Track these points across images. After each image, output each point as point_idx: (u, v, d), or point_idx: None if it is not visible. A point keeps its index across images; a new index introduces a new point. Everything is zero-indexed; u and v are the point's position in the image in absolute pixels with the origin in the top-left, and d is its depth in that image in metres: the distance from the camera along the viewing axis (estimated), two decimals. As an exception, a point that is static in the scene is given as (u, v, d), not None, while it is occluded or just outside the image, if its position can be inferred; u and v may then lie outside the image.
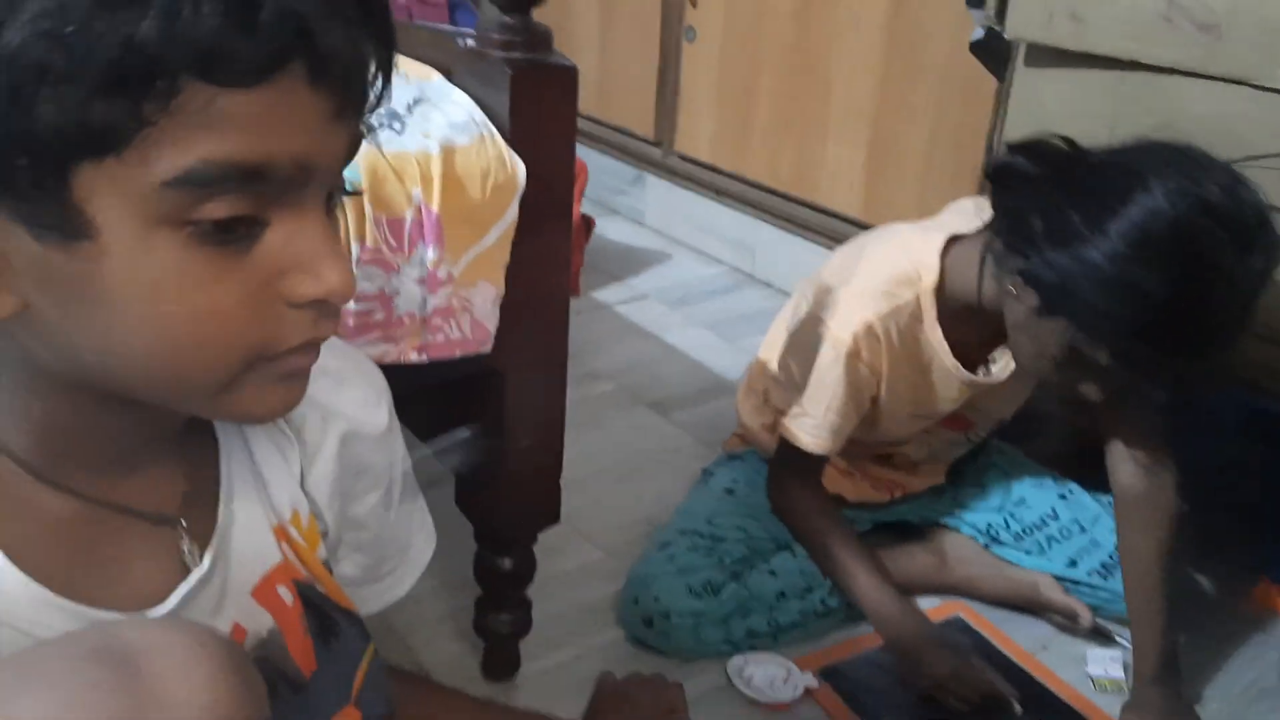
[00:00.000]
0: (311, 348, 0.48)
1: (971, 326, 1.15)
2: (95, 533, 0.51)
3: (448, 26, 2.39)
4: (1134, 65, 1.20)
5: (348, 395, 0.63)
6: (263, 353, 0.45)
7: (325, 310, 0.46)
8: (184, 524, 0.54)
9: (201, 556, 0.54)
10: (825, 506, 1.24)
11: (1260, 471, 1.61)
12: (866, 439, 1.26)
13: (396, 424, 0.68)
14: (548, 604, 1.24)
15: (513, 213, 0.87)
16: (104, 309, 0.42)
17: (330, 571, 0.64)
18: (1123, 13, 1.18)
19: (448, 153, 0.83)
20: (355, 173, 0.79)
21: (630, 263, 2.26)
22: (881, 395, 1.18)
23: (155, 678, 0.40)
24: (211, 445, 0.57)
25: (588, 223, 2.12)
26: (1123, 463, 1.16)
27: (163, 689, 0.40)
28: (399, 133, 0.85)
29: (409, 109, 0.87)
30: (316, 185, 0.45)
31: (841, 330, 1.13)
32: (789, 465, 1.23)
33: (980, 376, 1.18)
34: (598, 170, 2.43)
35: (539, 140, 0.87)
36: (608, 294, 2.12)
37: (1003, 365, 1.19)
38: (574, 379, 1.92)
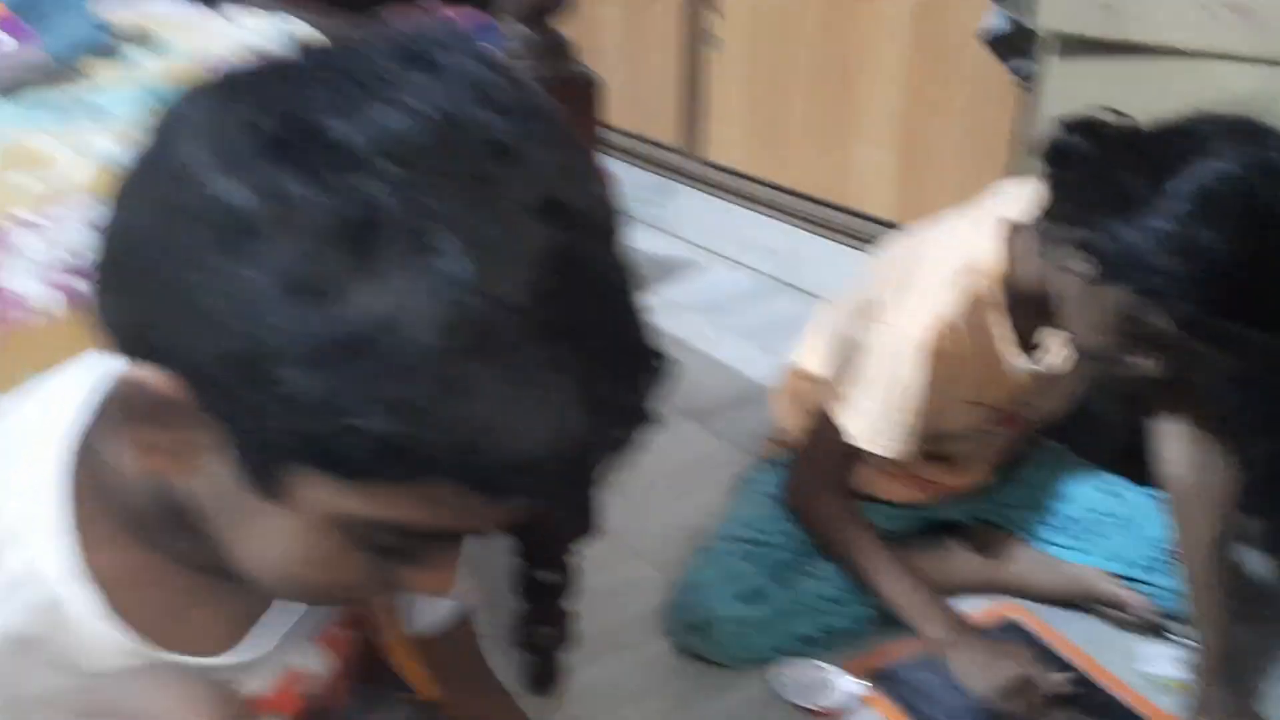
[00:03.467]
0: None
1: (1028, 314, 1.13)
2: (192, 591, 0.55)
3: (474, 46, 2.40)
4: (1170, 52, 1.18)
5: None
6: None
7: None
8: None
9: None
10: (851, 513, 1.22)
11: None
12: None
13: None
14: (593, 616, 1.23)
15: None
16: (253, 539, 0.47)
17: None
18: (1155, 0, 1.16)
19: (476, 166, 0.83)
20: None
21: (662, 273, 2.26)
22: (948, 386, 1.16)
23: None
24: None
25: (619, 235, 2.12)
26: (1174, 453, 1.13)
27: None
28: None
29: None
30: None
31: (914, 329, 1.10)
32: (815, 468, 1.21)
33: (1043, 366, 1.16)
34: (626, 182, 2.43)
35: (566, 150, 0.87)
36: (641, 305, 2.11)
37: (1057, 353, 1.17)
38: (610, 391, 1.89)
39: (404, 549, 0.46)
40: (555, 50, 0.85)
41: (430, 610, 0.75)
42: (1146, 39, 1.19)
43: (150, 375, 0.42)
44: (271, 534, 0.46)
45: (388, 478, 0.41)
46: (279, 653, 0.59)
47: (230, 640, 0.57)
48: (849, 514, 1.21)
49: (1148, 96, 1.22)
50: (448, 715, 0.73)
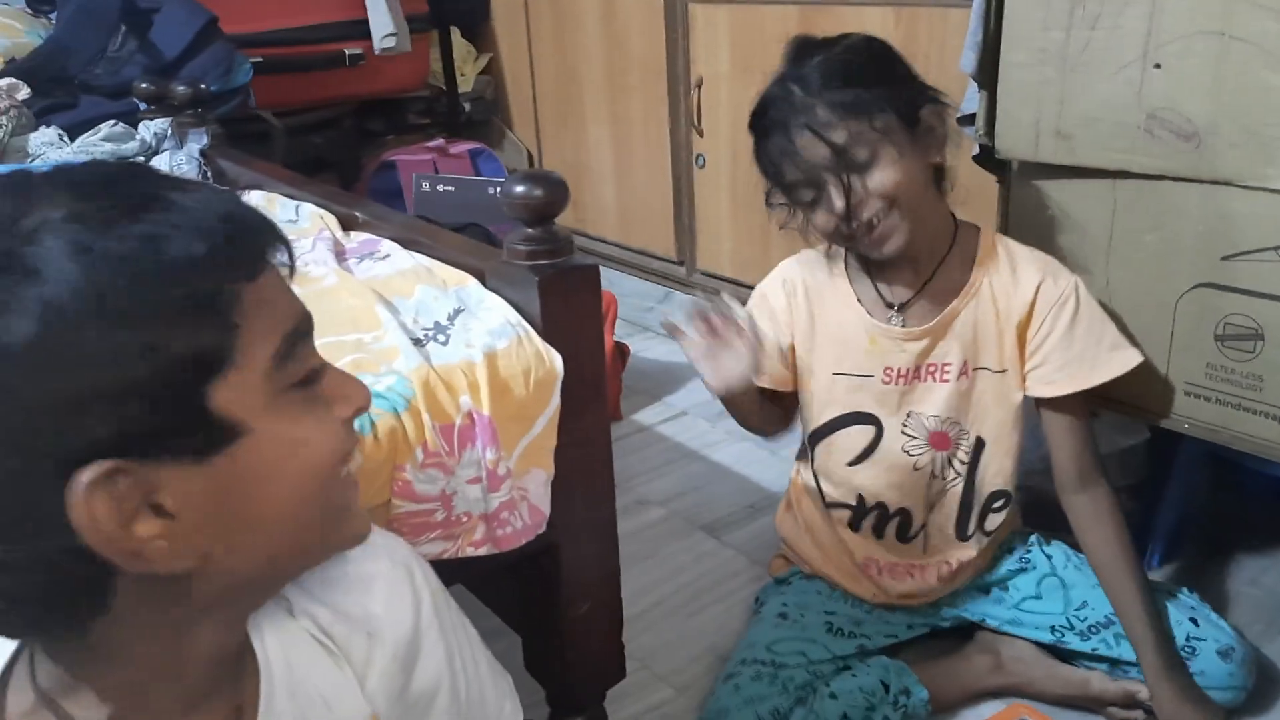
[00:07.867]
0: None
1: (877, 280, 1.29)
2: None
3: (474, 178, 2.52)
4: (1124, 174, 1.26)
5: (378, 601, 0.68)
6: (347, 462, 0.59)
7: (354, 422, 0.61)
8: None
9: None
10: None
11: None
12: (810, 417, 1.35)
13: (439, 616, 0.72)
14: (623, 748, 1.27)
15: (555, 401, 0.94)
16: (268, 487, 0.54)
17: None
18: (1106, 128, 1.25)
19: (490, 358, 0.91)
20: (409, 388, 0.86)
21: (667, 381, 2.33)
22: (796, 343, 1.33)
23: None
24: (254, 673, 0.62)
25: (622, 350, 2.20)
26: (1066, 484, 1.26)
27: None
28: (443, 344, 0.93)
29: (450, 319, 0.96)
30: None
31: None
32: None
33: (886, 323, 1.27)
34: (627, 292, 2.52)
35: (569, 333, 0.95)
36: (648, 415, 2.18)
37: (912, 316, 1.27)
38: (624, 508, 1.95)
39: (311, 372, 0.56)
40: (555, 245, 0.93)
41: None
42: (1100, 164, 1.27)
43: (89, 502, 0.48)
44: (266, 463, 0.53)
45: (230, 322, 0.51)
46: None
47: None
48: None
49: (1107, 214, 1.31)
50: None
